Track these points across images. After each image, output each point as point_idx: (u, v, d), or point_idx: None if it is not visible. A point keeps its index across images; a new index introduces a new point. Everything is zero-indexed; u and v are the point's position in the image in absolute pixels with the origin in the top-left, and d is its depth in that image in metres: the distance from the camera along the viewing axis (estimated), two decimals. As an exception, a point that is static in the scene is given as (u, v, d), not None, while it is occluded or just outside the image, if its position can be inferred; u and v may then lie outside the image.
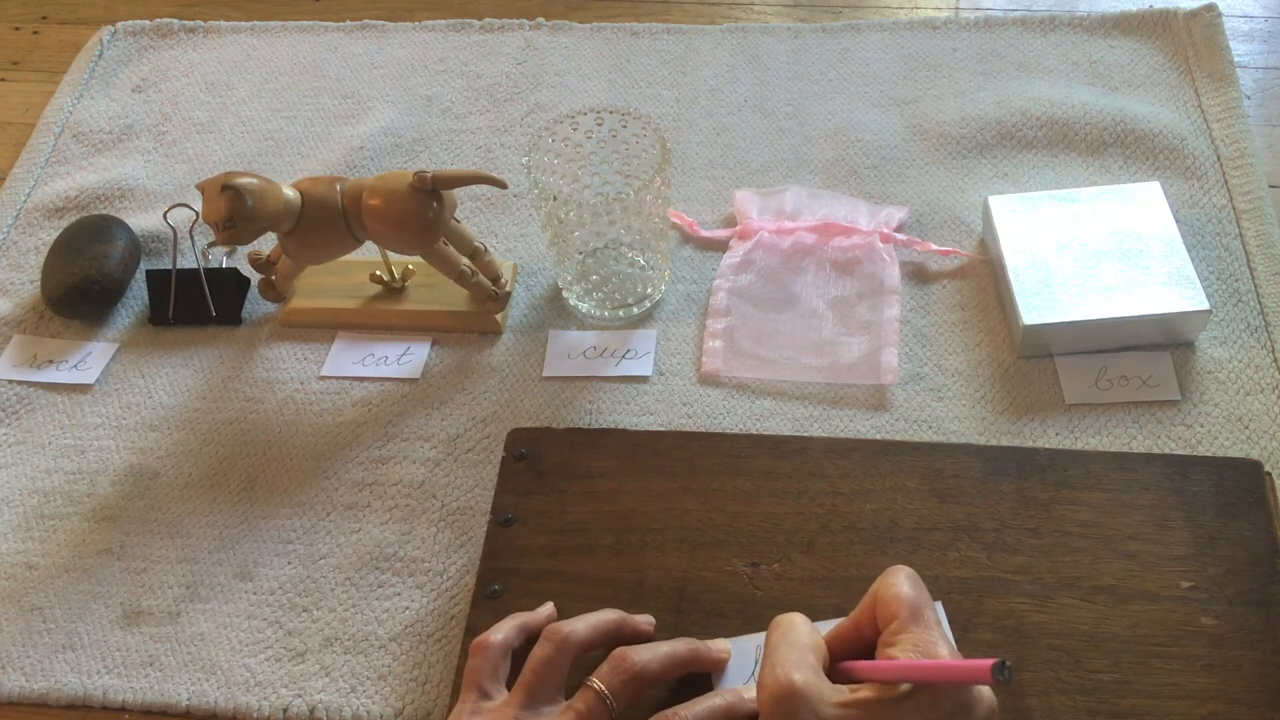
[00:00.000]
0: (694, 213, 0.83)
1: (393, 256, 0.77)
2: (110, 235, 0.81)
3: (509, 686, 0.53)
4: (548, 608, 0.58)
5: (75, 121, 0.95)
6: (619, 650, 0.52)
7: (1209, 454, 0.66)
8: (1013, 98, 0.87)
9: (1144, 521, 0.60)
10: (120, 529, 0.69)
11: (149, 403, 0.76)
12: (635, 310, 0.76)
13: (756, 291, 0.77)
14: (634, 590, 0.60)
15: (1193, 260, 0.71)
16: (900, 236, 0.78)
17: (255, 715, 0.61)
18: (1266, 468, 0.62)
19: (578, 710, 0.50)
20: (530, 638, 0.55)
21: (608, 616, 0.55)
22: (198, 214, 0.80)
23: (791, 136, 0.87)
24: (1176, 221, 0.73)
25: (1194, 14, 0.91)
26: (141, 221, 0.85)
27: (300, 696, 0.61)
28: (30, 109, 0.98)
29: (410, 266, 0.79)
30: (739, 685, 0.55)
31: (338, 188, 0.70)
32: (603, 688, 0.51)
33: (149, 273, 0.81)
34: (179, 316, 0.80)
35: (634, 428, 0.70)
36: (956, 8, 0.98)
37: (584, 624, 0.54)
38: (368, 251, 0.77)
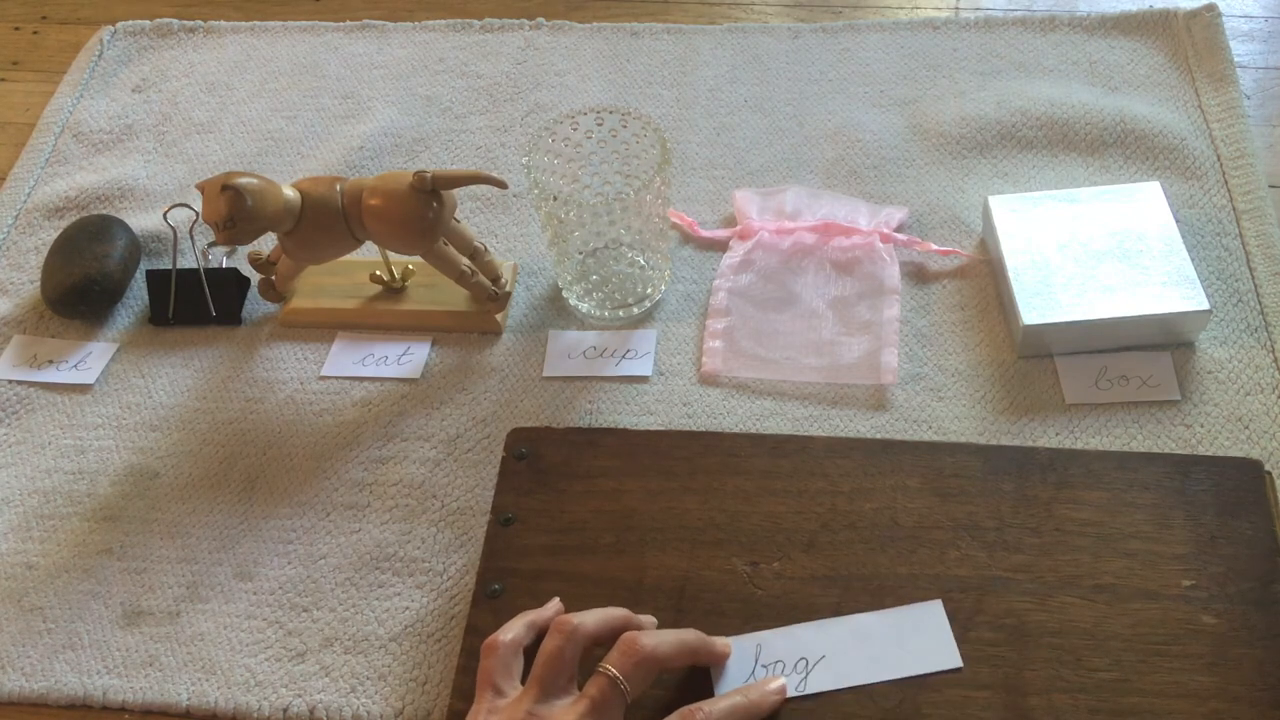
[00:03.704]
0: (694, 213, 0.83)
1: (393, 256, 0.77)
2: (110, 235, 0.81)
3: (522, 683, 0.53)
4: (554, 604, 0.58)
5: (75, 121, 0.95)
6: (628, 634, 0.52)
7: (1209, 454, 0.66)
8: (1013, 98, 0.87)
9: (1144, 520, 0.60)
10: (120, 529, 0.69)
11: (149, 403, 0.76)
12: (635, 310, 0.76)
13: (756, 291, 0.77)
14: (634, 589, 0.60)
15: (1193, 260, 0.71)
16: (900, 236, 0.78)
17: (255, 715, 0.61)
18: (1266, 467, 0.62)
19: (592, 697, 0.50)
20: (540, 634, 0.55)
21: (615, 611, 0.55)
22: (198, 214, 0.80)
23: (791, 136, 0.87)
24: (1176, 221, 0.73)
25: (1194, 14, 0.91)
26: (141, 221, 0.85)
27: (300, 696, 0.61)
28: (30, 109, 0.98)
29: (410, 266, 0.79)
30: (740, 684, 0.55)
31: (338, 188, 0.70)
32: (615, 672, 0.51)
33: (149, 273, 0.81)
34: (179, 316, 0.80)
35: (634, 427, 0.70)
36: (956, 8, 0.98)
37: (592, 616, 0.54)
38: (368, 251, 0.77)
